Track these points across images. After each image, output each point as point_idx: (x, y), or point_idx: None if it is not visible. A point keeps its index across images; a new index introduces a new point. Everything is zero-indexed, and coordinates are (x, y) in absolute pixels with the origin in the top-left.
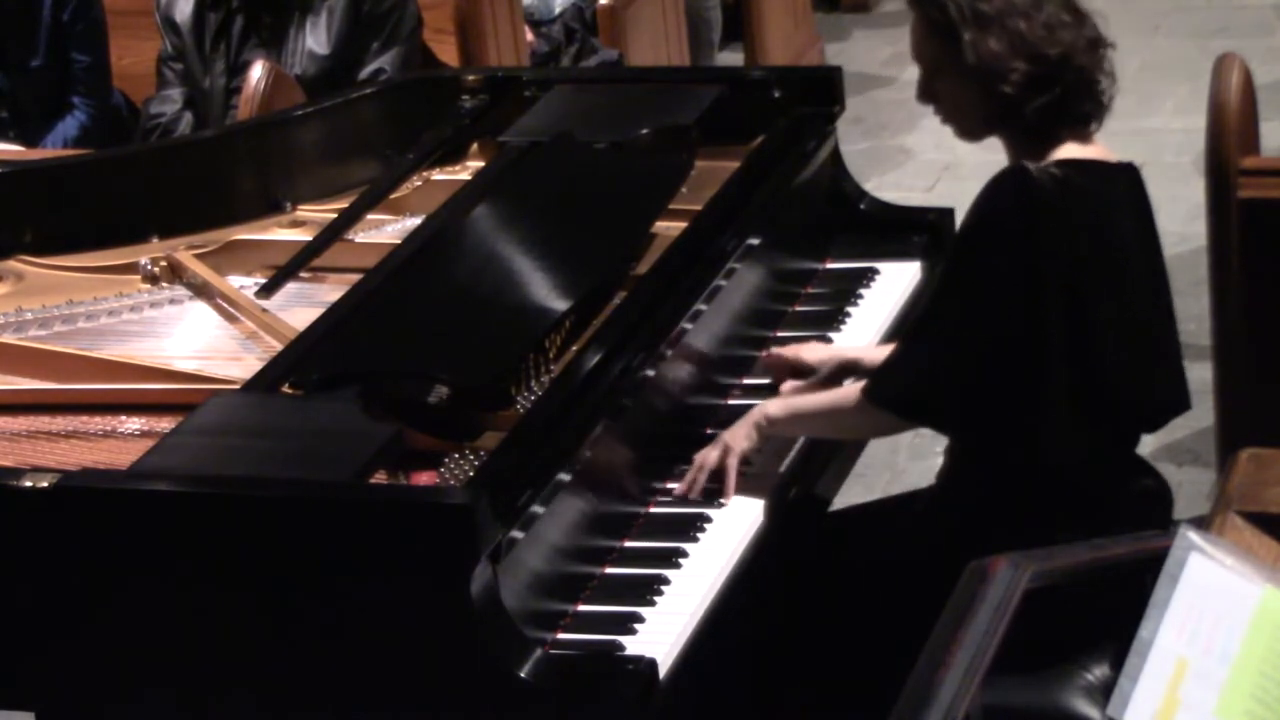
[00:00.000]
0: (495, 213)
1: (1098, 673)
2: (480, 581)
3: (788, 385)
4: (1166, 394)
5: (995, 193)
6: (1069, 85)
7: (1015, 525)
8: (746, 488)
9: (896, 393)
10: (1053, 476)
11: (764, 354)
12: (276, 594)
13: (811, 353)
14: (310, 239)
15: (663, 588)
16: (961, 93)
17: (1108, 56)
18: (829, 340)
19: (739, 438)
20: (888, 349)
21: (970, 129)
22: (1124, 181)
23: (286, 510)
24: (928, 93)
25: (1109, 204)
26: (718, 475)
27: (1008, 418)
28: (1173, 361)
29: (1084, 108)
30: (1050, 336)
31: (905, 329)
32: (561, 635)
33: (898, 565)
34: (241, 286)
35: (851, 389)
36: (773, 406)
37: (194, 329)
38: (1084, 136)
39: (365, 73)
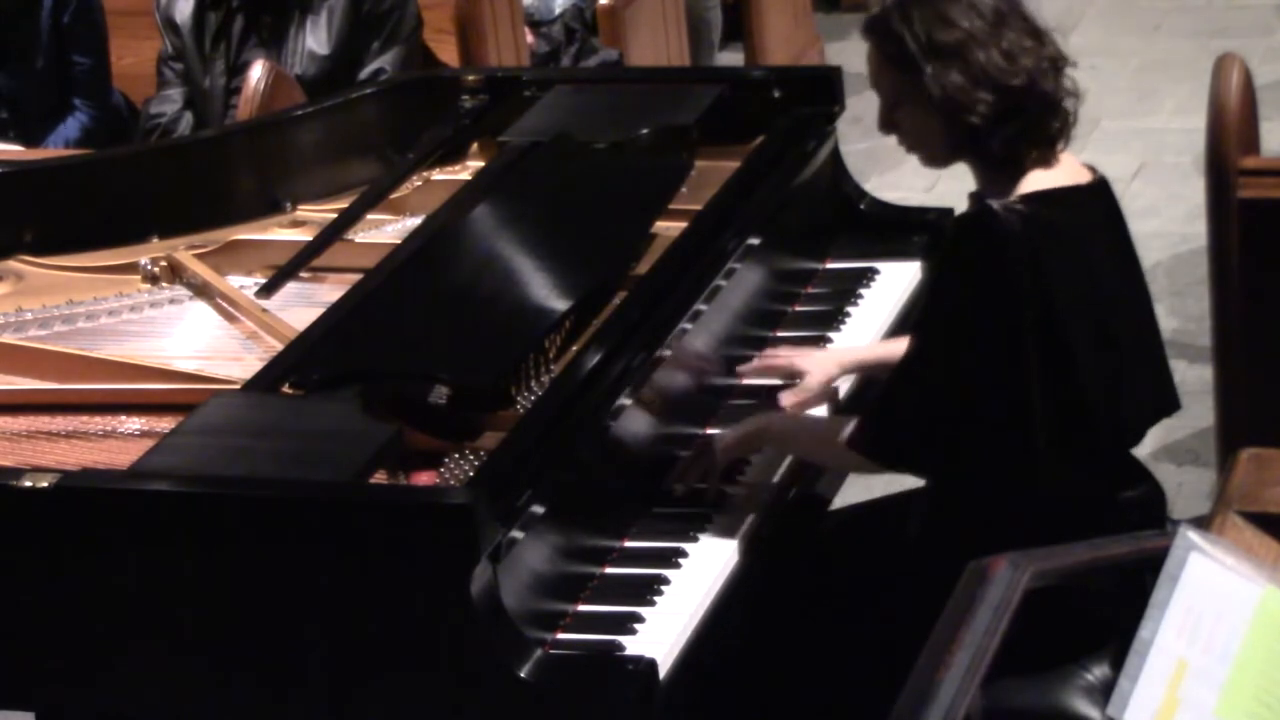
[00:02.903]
0: (495, 213)
1: (1098, 673)
2: (480, 581)
3: (786, 399)
4: (1152, 403)
5: (963, 238)
6: (1035, 111)
7: (1008, 538)
8: (747, 487)
9: (883, 444)
10: (1043, 500)
11: (761, 356)
12: (276, 594)
13: (806, 360)
14: (310, 239)
15: (663, 588)
16: (925, 123)
17: (1069, 74)
18: (829, 340)
19: (729, 445)
20: (886, 346)
21: (936, 157)
22: (1095, 203)
23: (287, 510)
24: (889, 123)
25: (1080, 232)
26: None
27: (993, 458)
28: (1157, 366)
29: (1050, 130)
30: (1030, 374)
31: (887, 378)
32: (561, 635)
33: (897, 565)
34: (241, 286)
35: (846, 424)
36: (775, 422)
37: (194, 329)
38: (1051, 158)
39: (365, 73)
